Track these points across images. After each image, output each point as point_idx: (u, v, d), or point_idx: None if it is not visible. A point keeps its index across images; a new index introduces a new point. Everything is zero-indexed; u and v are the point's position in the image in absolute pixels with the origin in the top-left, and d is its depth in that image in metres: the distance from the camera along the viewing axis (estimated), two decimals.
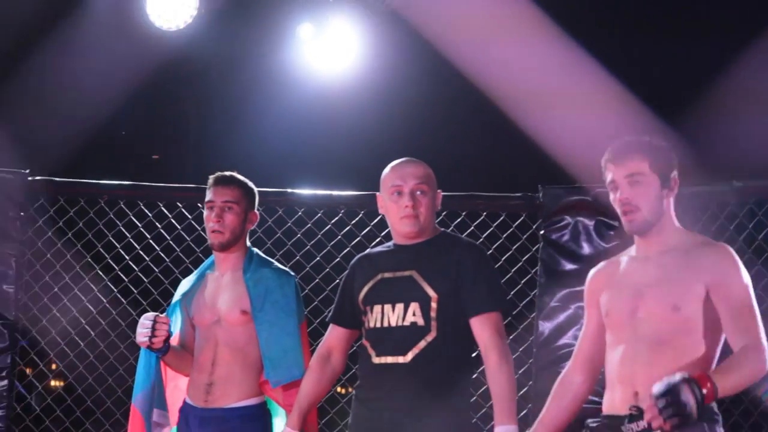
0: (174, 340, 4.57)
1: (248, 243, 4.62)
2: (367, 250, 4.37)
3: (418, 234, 4.09)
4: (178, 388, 4.65)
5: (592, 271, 3.94)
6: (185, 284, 4.71)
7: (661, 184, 3.69)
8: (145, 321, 4.42)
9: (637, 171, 3.68)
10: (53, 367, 7.22)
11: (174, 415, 4.60)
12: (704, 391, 3.31)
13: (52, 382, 8.45)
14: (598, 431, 3.78)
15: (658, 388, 3.31)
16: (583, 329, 3.94)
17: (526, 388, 5.44)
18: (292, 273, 4.62)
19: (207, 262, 4.71)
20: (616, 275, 3.79)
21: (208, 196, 4.55)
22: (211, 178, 4.58)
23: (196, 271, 4.74)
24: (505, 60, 8.12)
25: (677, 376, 3.32)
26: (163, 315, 4.52)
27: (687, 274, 3.61)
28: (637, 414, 3.54)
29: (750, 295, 3.58)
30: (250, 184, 4.62)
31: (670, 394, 3.28)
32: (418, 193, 4.07)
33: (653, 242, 3.72)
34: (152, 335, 4.39)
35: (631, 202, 3.67)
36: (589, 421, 5.07)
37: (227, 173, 4.59)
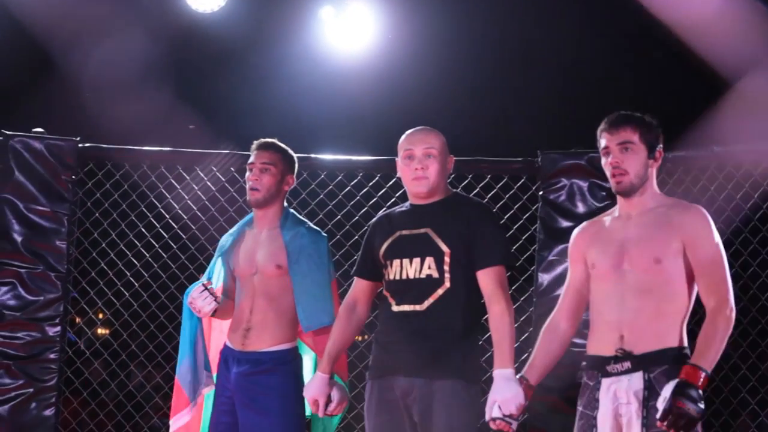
0: (218, 291, 4.68)
1: (285, 204, 4.71)
2: (386, 211, 4.44)
3: (428, 194, 4.19)
4: (222, 332, 4.74)
5: (576, 230, 4.08)
6: (226, 239, 4.80)
7: (648, 154, 3.83)
8: (201, 293, 4.51)
9: (628, 140, 3.82)
10: (100, 316, 7.33)
11: (215, 360, 4.68)
12: (699, 383, 3.48)
13: (100, 330, 8.54)
14: (586, 369, 3.86)
15: (659, 413, 3.49)
16: (567, 281, 4.07)
17: (527, 334, 5.48)
18: (324, 234, 4.71)
19: (246, 218, 4.80)
20: (601, 233, 3.93)
21: (251, 158, 4.66)
22: (254, 143, 4.69)
23: (235, 227, 4.83)
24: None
25: (668, 391, 3.48)
26: (207, 280, 4.60)
27: (666, 231, 3.75)
28: (621, 356, 3.69)
29: (720, 253, 3.72)
30: (290, 151, 4.71)
31: (671, 415, 3.45)
32: (428, 157, 4.16)
33: (635, 204, 3.85)
34: (215, 298, 4.51)
35: (621, 166, 3.81)
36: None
37: (268, 139, 4.70)
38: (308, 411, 4.52)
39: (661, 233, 3.76)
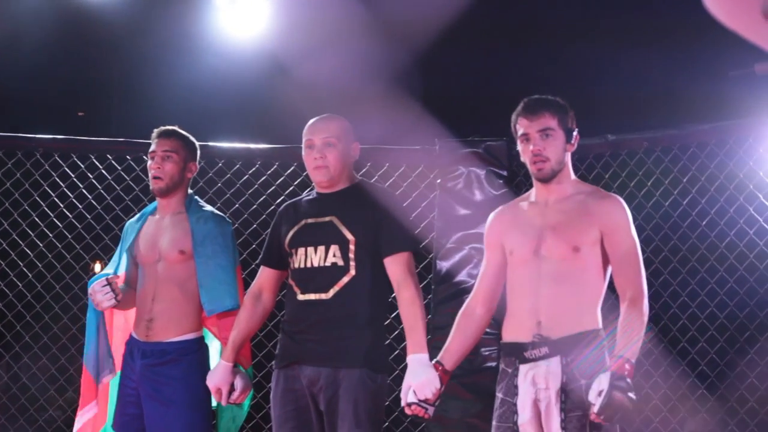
0: (120, 280, 4.62)
1: (189, 191, 4.68)
2: (293, 199, 4.42)
3: (330, 183, 4.21)
4: (127, 323, 4.69)
5: (492, 215, 4.06)
6: (129, 227, 4.75)
7: (566, 140, 3.84)
8: (103, 288, 4.44)
9: (548, 126, 3.82)
10: None
11: (119, 356, 4.63)
12: (626, 374, 3.51)
13: None
14: (504, 356, 3.86)
15: (596, 407, 3.49)
16: (483, 266, 4.04)
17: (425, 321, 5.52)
18: (229, 220, 4.72)
19: (150, 206, 4.75)
20: (519, 219, 3.92)
21: (152, 147, 4.61)
22: (155, 131, 4.63)
23: (139, 214, 4.78)
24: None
25: (604, 383, 3.49)
26: (111, 275, 4.54)
27: (584, 219, 3.77)
28: (539, 341, 3.70)
29: (636, 244, 3.78)
30: (191, 138, 4.68)
31: (610, 409, 3.47)
32: (327, 146, 4.17)
33: (553, 190, 3.86)
34: (116, 295, 4.45)
35: (542, 154, 3.81)
36: (483, 349, 5.24)
37: (169, 127, 4.65)
38: (215, 402, 4.50)
39: (579, 221, 3.78)
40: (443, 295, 5.57)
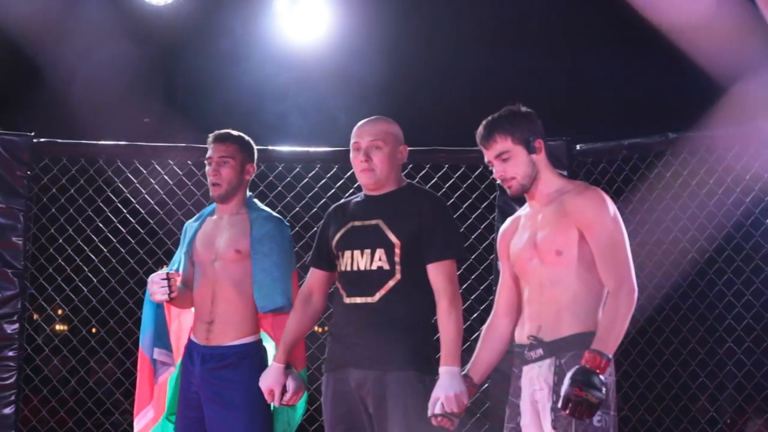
0: (179, 281, 4.62)
1: (248, 192, 4.70)
2: (341, 201, 4.44)
3: (376, 186, 4.21)
4: (182, 326, 4.72)
5: (501, 228, 4.12)
6: (188, 227, 4.77)
7: (527, 152, 3.87)
8: (161, 280, 4.46)
9: (503, 150, 3.87)
10: (59, 312, 7.34)
11: (178, 352, 4.66)
12: (600, 369, 3.55)
13: (58, 326, 8.53)
14: (513, 358, 3.93)
15: (559, 402, 3.58)
16: (500, 279, 4.09)
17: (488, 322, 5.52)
18: (287, 223, 4.72)
19: (209, 208, 4.77)
20: (518, 229, 3.98)
21: (208, 153, 4.62)
22: (210, 136, 4.65)
23: (198, 215, 4.81)
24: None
25: (568, 386, 3.54)
26: (173, 270, 4.59)
27: (563, 222, 3.80)
28: (535, 343, 3.76)
29: (617, 233, 3.76)
30: (247, 138, 4.68)
31: (570, 403, 3.53)
32: (374, 149, 4.17)
33: (537, 198, 3.91)
34: (170, 291, 4.48)
35: (506, 176, 3.88)
36: None
37: (224, 131, 4.66)
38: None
39: (560, 224, 3.81)
40: None
